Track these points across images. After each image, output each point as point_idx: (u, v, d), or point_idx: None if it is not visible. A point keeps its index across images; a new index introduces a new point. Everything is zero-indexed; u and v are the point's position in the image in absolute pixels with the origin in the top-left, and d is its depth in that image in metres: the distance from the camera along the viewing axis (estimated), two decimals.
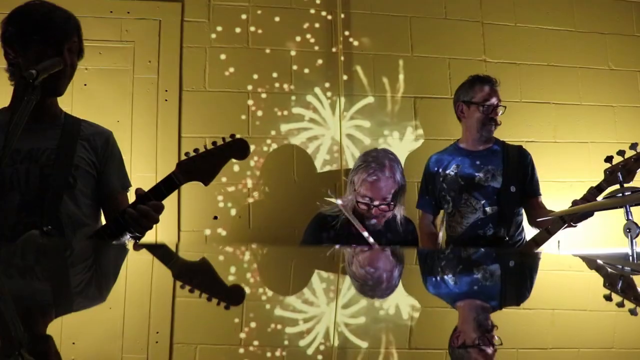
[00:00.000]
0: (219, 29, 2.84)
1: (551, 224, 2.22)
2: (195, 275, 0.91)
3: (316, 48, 2.93)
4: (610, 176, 2.10)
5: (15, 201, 1.50)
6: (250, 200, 2.77)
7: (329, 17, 2.97)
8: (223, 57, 2.83)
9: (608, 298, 0.76)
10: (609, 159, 2.11)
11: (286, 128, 2.85)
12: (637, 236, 1.97)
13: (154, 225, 1.55)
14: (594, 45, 3.25)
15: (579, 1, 3.27)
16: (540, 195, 2.45)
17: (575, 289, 0.90)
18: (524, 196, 2.42)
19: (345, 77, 2.94)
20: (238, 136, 1.56)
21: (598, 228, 2.92)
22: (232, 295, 0.73)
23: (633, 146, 2.06)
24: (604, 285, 0.89)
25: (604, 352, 0.56)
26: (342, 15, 2.97)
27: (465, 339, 0.57)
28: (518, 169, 2.41)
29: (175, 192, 2.65)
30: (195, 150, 1.55)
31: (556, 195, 2.34)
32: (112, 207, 1.69)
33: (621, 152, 2.08)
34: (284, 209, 2.77)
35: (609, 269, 1.07)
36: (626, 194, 2.00)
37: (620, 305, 0.76)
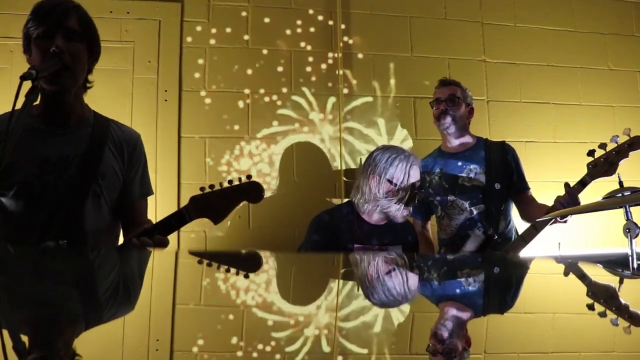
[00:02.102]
0: (219, 29, 2.84)
1: (538, 221, 2.21)
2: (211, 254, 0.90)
3: (316, 48, 2.93)
4: (594, 169, 2.11)
5: (43, 213, 1.48)
6: None
7: (328, 17, 2.97)
8: (223, 57, 2.82)
9: (591, 307, 0.75)
10: (591, 152, 2.12)
11: (286, 128, 2.85)
12: (636, 236, 1.97)
13: None
14: (594, 46, 3.25)
15: (579, 1, 3.27)
16: (529, 189, 2.45)
17: (575, 293, 0.90)
18: (514, 193, 2.43)
19: (344, 78, 2.94)
20: (254, 179, 1.57)
21: (598, 228, 2.92)
22: (249, 263, 0.72)
23: (614, 139, 2.07)
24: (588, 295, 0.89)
25: (605, 356, 0.56)
26: (341, 16, 2.97)
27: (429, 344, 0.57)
28: (501, 165, 2.40)
29: (175, 191, 2.66)
30: (211, 186, 1.55)
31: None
32: (129, 215, 1.67)
33: (603, 145, 2.09)
34: (283, 209, 2.77)
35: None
36: (625, 194, 1.99)
37: (620, 310, 0.76)
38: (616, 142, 2.07)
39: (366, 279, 1.03)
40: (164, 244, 1.51)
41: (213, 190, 1.54)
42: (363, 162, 2.44)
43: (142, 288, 0.84)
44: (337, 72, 2.93)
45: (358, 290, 0.90)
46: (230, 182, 1.55)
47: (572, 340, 0.60)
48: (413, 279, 1.06)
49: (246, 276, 0.66)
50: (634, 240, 1.96)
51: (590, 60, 3.23)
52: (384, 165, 2.24)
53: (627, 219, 1.99)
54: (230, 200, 1.55)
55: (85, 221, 1.52)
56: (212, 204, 1.54)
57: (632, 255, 1.96)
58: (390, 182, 2.22)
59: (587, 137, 3.09)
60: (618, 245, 2.38)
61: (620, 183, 2.07)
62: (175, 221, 1.54)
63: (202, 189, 1.55)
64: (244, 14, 2.88)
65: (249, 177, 1.56)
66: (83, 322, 0.62)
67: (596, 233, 2.94)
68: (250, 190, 1.56)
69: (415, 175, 2.25)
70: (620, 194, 2.02)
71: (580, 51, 3.22)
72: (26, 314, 0.62)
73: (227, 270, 0.71)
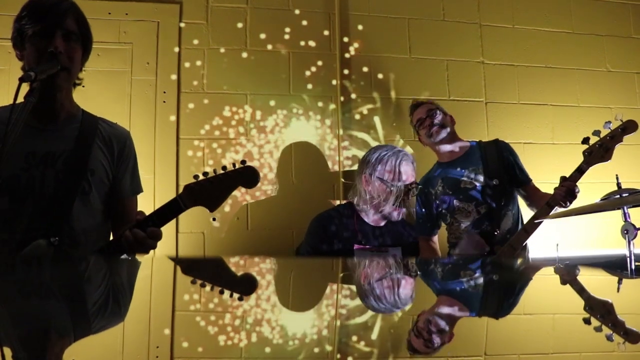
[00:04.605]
0: (217, 30, 2.84)
1: (539, 212, 2.21)
2: (205, 270, 0.89)
3: (314, 50, 2.93)
4: (589, 156, 2.12)
5: (29, 207, 1.46)
6: (249, 201, 2.76)
7: (327, 19, 2.97)
8: (221, 59, 2.82)
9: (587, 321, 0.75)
10: (585, 140, 2.12)
11: (284, 130, 2.85)
12: (634, 238, 1.98)
13: None
14: (592, 47, 3.26)
15: (577, 3, 3.28)
16: (531, 180, 2.47)
17: (575, 293, 0.90)
18: (517, 186, 2.45)
19: (342, 79, 2.94)
20: (248, 163, 1.53)
21: (596, 229, 2.93)
22: (244, 285, 0.71)
23: (606, 125, 2.08)
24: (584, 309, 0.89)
25: (606, 356, 0.56)
26: (339, 18, 2.97)
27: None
28: (498, 162, 2.43)
29: (173, 193, 2.65)
30: (205, 174, 1.52)
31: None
32: (120, 212, 1.65)
33: (596, 132, 2.10)
34: (282, 210, 2.77)
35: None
36: (624, 195, 2.00)
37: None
38: (609, 128, 2.08)
39: (365, 284, 1.02)
40: (157, 236, 1.47)
41: (207, 178, 1.51)
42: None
43: (142, 294, 0.83)
44: (335, 74, 2.92)
45: (356, 294, 0.90)
46: (224, 168, 1.52)
47: (572, 341, 0.60)
48: (410, 283, 1.06)
49: (240, 299, 0.65)
50: (631, 242, 1.97)
51: (588, 61, 3.24)
52: (374, 164, 2.26)
53: (625, 221, 2.00)
54: (225, 186, 1.52)
55: (74, 218, 1.50)
56: (206, 191, 1.51)
57: (630, 257, 1.96)
58: (381, 180, 2.23)
59: None
60: (616, 246, 2.39)
61: (619, 184, 2.08)
62: (170, 211, 1.50)
63: (195, 177, 1.52)
64: (242, 16, 2.88)
65: (243, 162, 1.53)
66: (82, 329, 0.62)
67: (594, 234, 2.95)
68: (245, 175, 1.52)
69: (405, 171, 2.25)
70: (618, 195, 2.03)
71: (578, 53, 3.23)
72: (22, 323, 0.62)
73: (221, 292, 0.70)
